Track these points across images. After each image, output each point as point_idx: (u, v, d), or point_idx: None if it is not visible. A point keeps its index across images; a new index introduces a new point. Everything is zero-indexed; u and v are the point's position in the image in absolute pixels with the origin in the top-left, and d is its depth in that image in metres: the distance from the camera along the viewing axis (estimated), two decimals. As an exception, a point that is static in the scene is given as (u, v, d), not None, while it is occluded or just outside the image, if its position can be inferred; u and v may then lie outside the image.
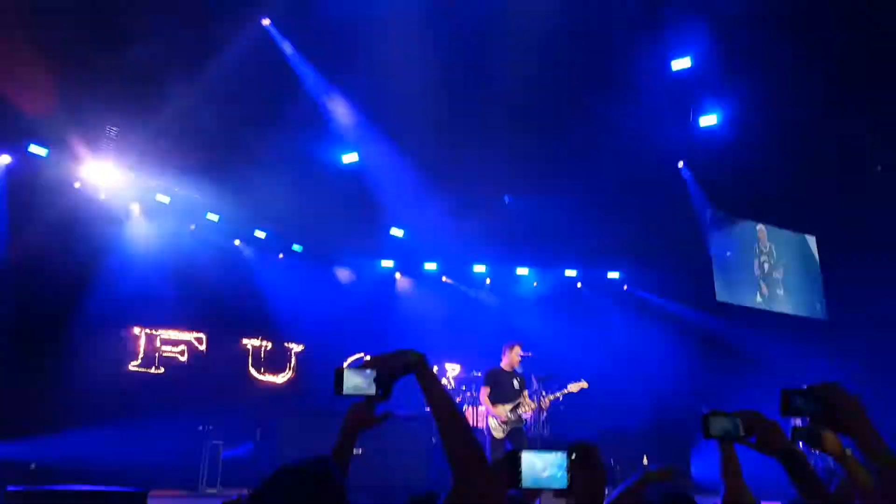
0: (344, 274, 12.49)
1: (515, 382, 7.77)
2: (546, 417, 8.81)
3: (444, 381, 11.50)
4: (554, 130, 10.36)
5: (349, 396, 1.73)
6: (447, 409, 1.68)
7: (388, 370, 1.72)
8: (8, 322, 8.32)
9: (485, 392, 7.62)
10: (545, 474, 1.54)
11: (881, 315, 11.28)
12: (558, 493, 1.59)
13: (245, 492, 2.21)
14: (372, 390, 1.72)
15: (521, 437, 7.55)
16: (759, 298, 14.32)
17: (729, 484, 2.46)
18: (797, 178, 12.04)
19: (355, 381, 1.72)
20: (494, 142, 9.99)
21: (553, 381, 9.34)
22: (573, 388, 8.63)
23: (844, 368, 11.22)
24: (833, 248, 13.55)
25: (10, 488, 3.82)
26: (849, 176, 12.08)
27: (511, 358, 7.82)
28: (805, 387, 2.03)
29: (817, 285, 15.08)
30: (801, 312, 14.86)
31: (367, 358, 1.79)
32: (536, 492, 1.59)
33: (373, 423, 2.20)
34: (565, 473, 1.53)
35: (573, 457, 1.56)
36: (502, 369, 7.78)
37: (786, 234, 15.10)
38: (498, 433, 7.47)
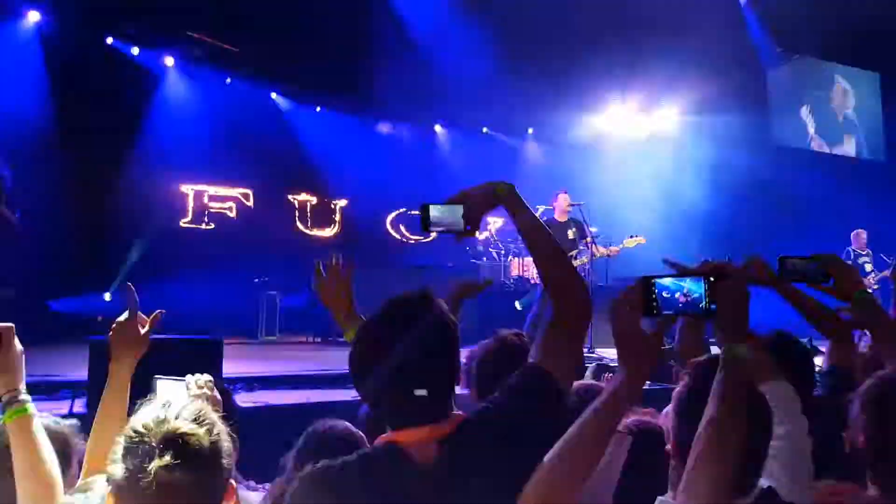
0: (384, 128, 12.23)
1: (570, 232, 7.65)
2: (591, 268, 8.79)
3: (486, 234, 11.50)
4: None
5: (438, 232, 1.66)
6: (542, 237, 1.61)
7: (477, 203, 1.63)
8: (60, 184, 8.42)
9: None
10: (683, 300, 1.38)
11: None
12: (700, 318, 1.46)
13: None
14: (460, 226, 1.62)
15: None
16: (814, 143, 13.73)
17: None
18: (865, 10, 10.99)
19: (442, 217, 1.64)
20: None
21: (605, 236, 9.25)
22: (629, 243, 8.47)
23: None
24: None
25: (92, 338, 3.97)
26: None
27: (560, 206, 7.66)
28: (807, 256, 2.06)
29: (879, 126, 14.34)
30: (864, 155, 14.27)
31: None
32: (671, 320, 1.40)
33: (476, 291, 2.43)
34: (704, 296, 1.38)
35: (710, 279, 1.38)
36: (555, 219, 7.64)
37: (852, 72, 14.13)
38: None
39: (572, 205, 7.84)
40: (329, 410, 4.00)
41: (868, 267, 9.33)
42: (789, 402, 1.69)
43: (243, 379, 4.85)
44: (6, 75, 8.08)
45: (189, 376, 1.83)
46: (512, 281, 10.22)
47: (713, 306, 1.37)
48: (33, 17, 8.52)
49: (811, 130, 13.82)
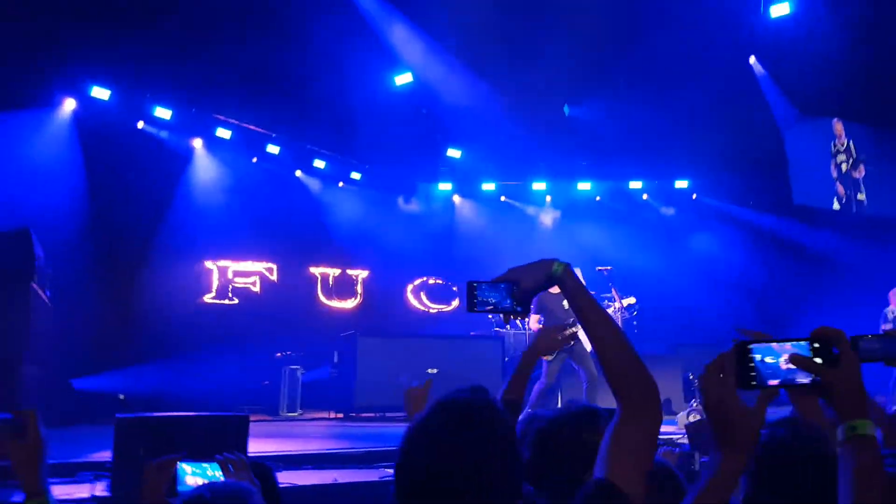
0: (406, 204, 12.42)
1: (566, 303, 7.52)
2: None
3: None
4: (615, 27, 9.73)
5: (484, 312, 1.55)
6: (601, 321, 1.44)
7: (528, 283, 1.51)
8: (90, 263, 8.61)
9: (534, 319, 7.34)
10: (784, 369, 1.21)
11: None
12: (805, 391, 1.24)
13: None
14: (509, 306, 1.51)
15: (579, 348, 7.20)
16: (836, 204, 13.64)
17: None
18: (877, 68, 11.13)
19: (489, 296, 1.53)
20: (553, 43, 9.50)
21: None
22: (624, 302, 8.51)
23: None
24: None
25: (119, 416, 3.91)
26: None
27: None
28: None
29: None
30: (884, 212, 14.11)
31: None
32: (773, 392, 1.22)
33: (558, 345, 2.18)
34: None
35: (816, 346, 1.21)
36: (549, 293, 7.49)
37: (865, 129, 14.18)
38: (548, 356, 7.28)
39: (599, 270, 7.80)
40: (356, 492, 3.93)
41: None
42: None
43: (268, 458, 4.76)
44: (45, 161, 8.41)
45: (221, 456, 1.81)
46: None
47: (820, 378, 1.21)
48: (70, 105, 8.92)
49: (834, 188, 13.78)
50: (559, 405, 8.06)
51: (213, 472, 1.86)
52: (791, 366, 1.22)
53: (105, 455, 4.11)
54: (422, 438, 1.21)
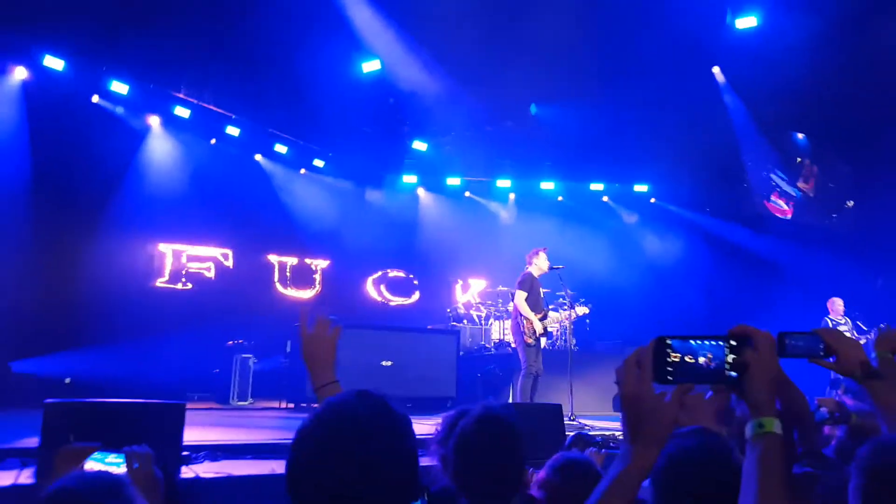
0: (369, 194, 12.30)
1: (541, 291, 7.72)
2: (571, 331, 8.80)
3: (468, 296, 11.47)
4: (586, 32, 9.78)
5: None
6: None
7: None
8: (34, 240, 8.30)
9: (522, 296, 7.41)
10: (703, 365, 1.21)
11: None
12: (720, 387, 1.25)
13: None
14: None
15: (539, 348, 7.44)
16: (788, 213, 13.98)
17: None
18: (836, 84, 11.41)
19: None
20: (525, 43, 9.50)
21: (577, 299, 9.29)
22: (579, 311, 8.66)
23: (870, 281, 11.00)
24: (870, 161, 12.98)
25: (48, 400, 3.74)
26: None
27: (540, 264, 7.60)
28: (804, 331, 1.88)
29: (845, 197, 14.66)
30: (833, 223, 14.54)
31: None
32: (688, 387, 1.21)
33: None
34: (725, 363, 1.21)
35: (732, 343, 1.22)
36: (534, 276, 7.64)
37: (820, 143, 14.55)
38: (531, 340, 7.34)
39: (552, 268, 7.86)
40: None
41: (847, 335, 9.34)
42: None
43: (208, 447, 4.64)
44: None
45: (129, 448, 1.73)
46: (493, 345, 10.11)
47: (735, 374, 1.22)
48: (19, 74, 8.56)
49: (783, 198, 14.12)
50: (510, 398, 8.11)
51: (113, 460, 1.77)
52: (708, 362, 1.22)
53: (35, 441, 3.94)
54: (313, 451, 1.16)
